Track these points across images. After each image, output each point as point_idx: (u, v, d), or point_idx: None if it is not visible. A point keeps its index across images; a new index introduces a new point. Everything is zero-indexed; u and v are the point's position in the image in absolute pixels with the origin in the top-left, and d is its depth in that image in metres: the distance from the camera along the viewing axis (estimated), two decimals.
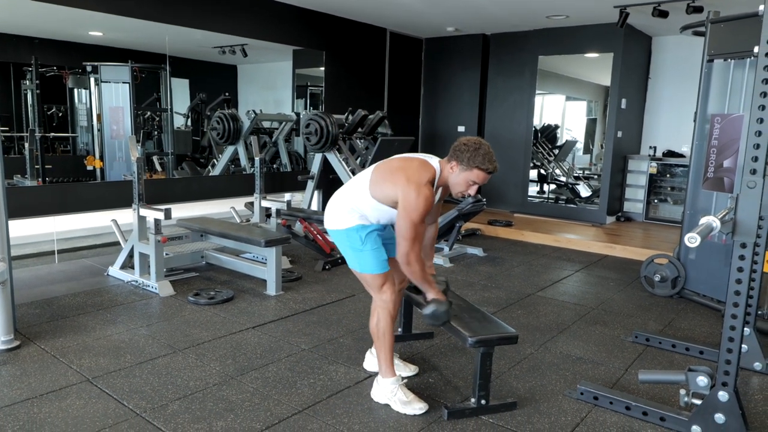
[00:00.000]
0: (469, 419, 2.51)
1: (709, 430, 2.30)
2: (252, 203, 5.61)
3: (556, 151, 8.52)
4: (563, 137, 8.80)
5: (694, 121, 4.31)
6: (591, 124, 8.89)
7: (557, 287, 4.68)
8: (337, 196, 2.65)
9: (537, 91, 7.53)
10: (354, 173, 5.48)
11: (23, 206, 4.35)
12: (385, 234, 2.63)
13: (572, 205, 7.79)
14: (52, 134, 5.61)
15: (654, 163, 7.22)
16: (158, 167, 6.36)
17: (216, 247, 4.76)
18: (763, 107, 2.06)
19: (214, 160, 6.72)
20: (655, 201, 7.34)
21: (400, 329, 3.33)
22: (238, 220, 5.55)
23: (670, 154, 7.22)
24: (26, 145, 5.24)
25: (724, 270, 3.91)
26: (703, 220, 2.14)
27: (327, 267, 4.89)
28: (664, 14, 5.52)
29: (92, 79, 5.74)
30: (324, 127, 5.61)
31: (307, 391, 2.73)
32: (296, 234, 5.26)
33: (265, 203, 5.47)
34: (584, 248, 6.12)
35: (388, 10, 6.41)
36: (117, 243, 4.70)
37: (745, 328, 2.84)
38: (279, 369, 2.96)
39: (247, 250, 4.73)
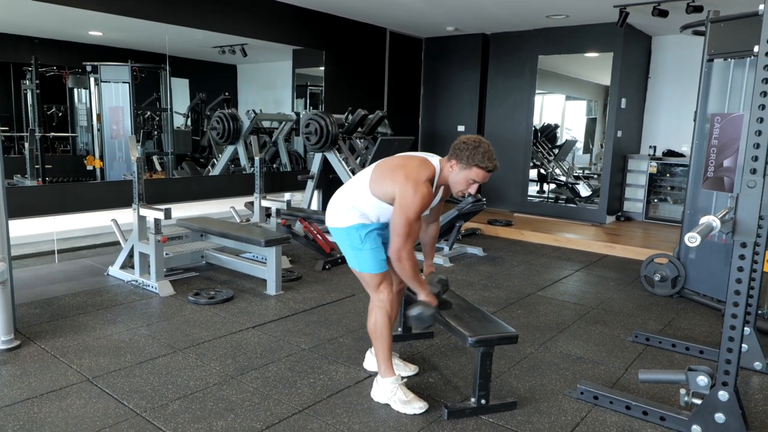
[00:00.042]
0: (469, 419, 2.51)
1: (710, 429, 2.30)
2: (252, 203, 5.61)
3: (556, 151, 8.52)
4: (563, 137, 8.80)
5: (694, 120, 4.31)
6: (591, 124, 8.89)
7: (557, 287, 4.68)
8: (339, 194, 2.65)
9: (537, 91, 7.54)
10: (354, 173, 5.48)
11: (23, 206, 4.35)
12: (386, 233, 2.62)
13: (572, 205, 7.79)
14: (52, 134, 5.61)
15: (654, 163, 7.22)
16: (158, 167, 6.36)
17: (216, 247, 4.76)
18: (763, 106, 2.06)
19: (214, 160, 6.72)
20: (655, 200, 7.34)
21: (400, 329, 3.33)
22: (238, 220, 5.55)
23: (670, 153, 7.22)
24: (26, 144, 5.24)
25: (724, 269, 3.91)
26: (703, 220, 2.14)
27: (327, 267, 4.89)
28: (663, 14, 5.52)
29: (92, 79, 5.74)
30: (324, 126, 5.61)
31: (307, 390, 2.73)
32: (296, 234, 5.26)
33: (265, 203, 5.47)
34: (584, 248, 6.12)
35: (388, 9, 6.41)
36: (117, 243, 4.70)
37: (746, 328, 2.84)
38: (279, 369, 2.96)
39: (247, 250, 4.74)
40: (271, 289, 4.20)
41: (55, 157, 5.66)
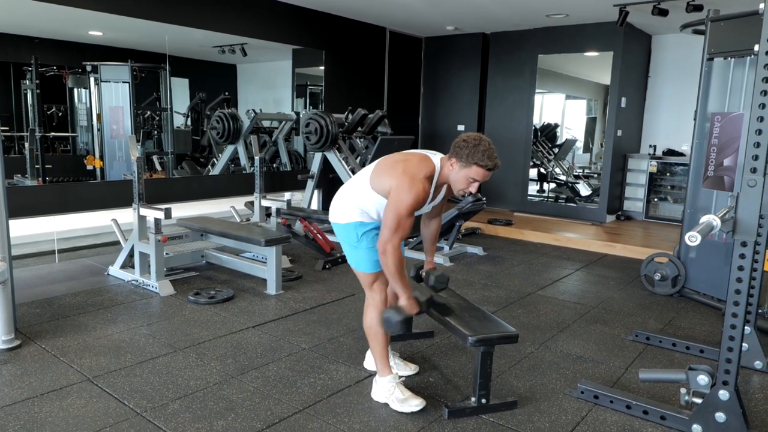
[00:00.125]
0: (469, 418, 2.51)
1: (710, 428, 2.30)
2: (252, 202, 5.61)
3: (556, 150, 8.52)
4: (563, 136, 8.80)
5: (694, 119, 4.31)
6: (591, 123, 8.88)
7: (557, 286, 4.68)
8: (343, 190, 2.67)
9: (537, 90, 7.53)
10: (354, 172, 5.48)
11: (23, 206, 4.35)
12: None
13: (572, 204, 7.79)
14: (52, 134, 5.61)
15: (654, 162, 7.22)
16: (158, 167, 6.36)
17: (216, 247, 4.75)
18: (763, 105, 2.06)
19: (214, 160, 6.72)
20: (655, 200, 7.34)
21: None
22: (238, 220, 5.55)
23: (670, 152, 7.22)
24: (26, 144, 5.24)
25: (724, 269, 3.91)
26: (704, 219, 2.14)
27: (327, 266, 4.89)
28: (663, 13, 5.51)
29: (92, 79, 5.74)
30: (324, 126, 5.60)
31: (307, 390, 2.73)
32: (296, 233, 5.26)
33: (265, 202, 5.47)
34: (584, 247, 6.12)
35: (387, 9, 6.41)
36: (117, 242, 4.70)
37: (746, 327, 2.84)
38: (279, 368, 2.96)
39: (247, 250, 4.74)
40: (272, 289, 4.21)
41: (55, 156, 5.66)
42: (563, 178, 8.38)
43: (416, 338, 3.38)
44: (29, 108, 5.31)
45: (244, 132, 6.32)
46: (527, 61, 7.48)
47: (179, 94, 6.47)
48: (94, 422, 2.38)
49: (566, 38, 7.11)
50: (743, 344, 2.69)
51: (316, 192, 6.33)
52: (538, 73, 7.46)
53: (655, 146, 7.32)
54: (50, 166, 5.44)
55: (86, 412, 2.46)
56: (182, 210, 4.97)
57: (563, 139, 8.73)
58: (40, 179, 5.28)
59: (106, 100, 5.78)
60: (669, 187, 7.27)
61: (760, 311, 3.47)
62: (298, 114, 6.97)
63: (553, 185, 8.42)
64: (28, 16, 4.73)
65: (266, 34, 6.08)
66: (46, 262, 4.93)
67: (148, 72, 5.96)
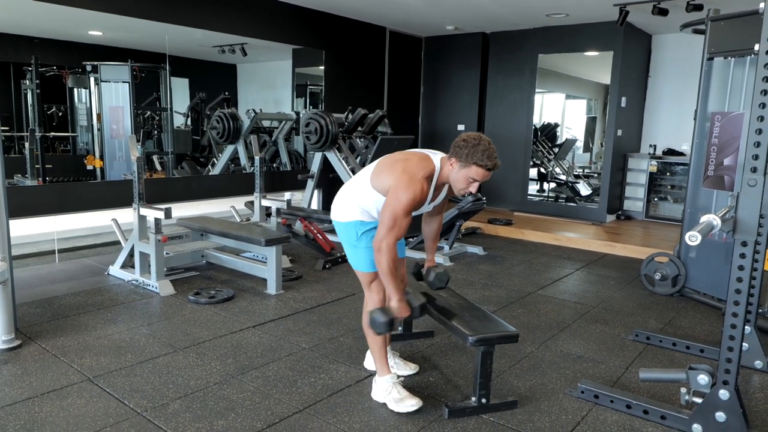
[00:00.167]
0: (469, 418, 2.51)
1: (710, 428, 2.30)
2: (252, 202, 5.61)
3: (556, 150, 8.52)
4: (563, 136, 8.79)
5: (695, 119, 4.31)
6: (591, 123, 8.88)
7: (557, 286, 4.68)
8: (344, 189, 2.67)
9: (537, 90, 7.53)
10: (354, 172, 5.48)
11: (24, 206, 4.35)
12: None
13: (572, 204, 7.79)
14: (52, 134, 5.61)
15: (654, 162, 7.22)
16: (158, 166, 6.36)
17: (216, 247, 4.76)
18: (763, 105, 2.06)
19: (214, 160, 6.72)
20: (656, 199, 7.34)
21: (400, 328, 3.33)
22: (238, 219, 5.55)
23: (670, 152, 7.22)
24: (26, 144, 5.25)
25: (724, 268, 3.91)
26: (704, 219, 2.14)
27: (327, 266, 4.89)
28: (663, 12, 5.51)
29: (92, 79, 5.74)
30: (324, 126, 5.60)
31: (307, 390, 2.73)
32: (296, 233, 5.26)
33: (265, 202, 5.47)
34: (584, 247, 6.12)
35: (387, 9, 6.41)
36: (117, 242, 4.70)
37: (746, 327, 2.85)
38: (279, 368, 2.96)
39: (248, 249, 4.74)
40: (272, 289, 4.21)
41: (56, 156, 5.66)
42: (563, 177, 8.38)
43: (416, 338, 3.38)
44: (29, 108, 5.31)
45: (244, 132, 6.32)
46: (527, 60, 7.48)
47: (179, 94, 6.47)
48: (94, 422, 2.38)
49: (566, 38, 7.11)
50: (743, 344, 2.69)
51: (316, 192, 6.33)
52: (538, 72, 7.46)
53: (655, 146, 7.32)
54: (50, 166, 5.45)
55: (86, 412, 2.46)
56: (182, 210, 4.97)
57: (563, 139, 8.73)
58: (40, 179, 5.28)
59: (106, 99, 5.78)
60: (669, 187, 7.27)
61: (760, 311, 3.47)
62: (298, 114, 6.97)
63: (553, 185, 8.42)
64: (28, 16, 4.73)
65: (266, 33, 6.08)
66: (46, 262, 4.93)
67: (148, 72, 5.96)
